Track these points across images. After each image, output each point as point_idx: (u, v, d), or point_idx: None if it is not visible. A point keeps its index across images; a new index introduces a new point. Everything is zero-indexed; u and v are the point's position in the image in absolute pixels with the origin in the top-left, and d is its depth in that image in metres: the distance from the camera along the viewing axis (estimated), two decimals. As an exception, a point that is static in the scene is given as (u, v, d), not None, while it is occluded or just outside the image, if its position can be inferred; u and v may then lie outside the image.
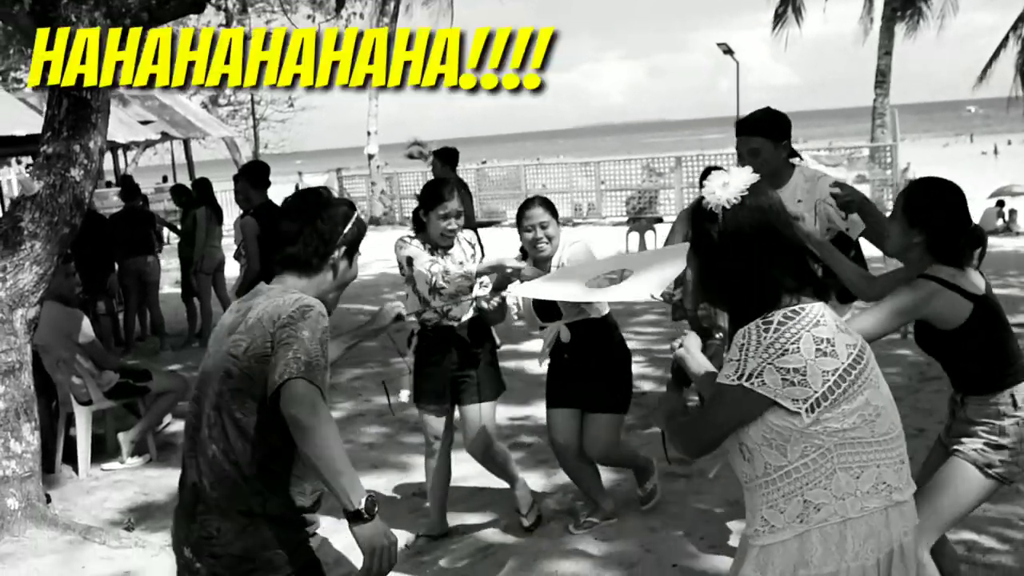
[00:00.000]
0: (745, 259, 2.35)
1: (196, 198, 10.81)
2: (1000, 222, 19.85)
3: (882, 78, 20.22)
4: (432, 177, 7.36)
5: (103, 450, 6.68)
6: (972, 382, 3.38)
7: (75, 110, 5.49)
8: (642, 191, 20.66)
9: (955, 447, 3.35)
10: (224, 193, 21.02)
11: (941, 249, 3.28)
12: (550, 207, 4.80)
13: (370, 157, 23.90)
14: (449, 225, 4.63)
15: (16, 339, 5.19)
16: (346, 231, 2.75)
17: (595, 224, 20.40)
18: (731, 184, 2.38)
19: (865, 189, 18.23)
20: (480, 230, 9.25)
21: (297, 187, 31.01)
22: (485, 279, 4.70)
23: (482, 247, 5.30)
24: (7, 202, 18.14)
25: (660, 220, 18.46)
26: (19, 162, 24.37)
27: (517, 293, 4.13)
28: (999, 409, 3.30)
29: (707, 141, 65.70)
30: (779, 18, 23.51)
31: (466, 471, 5.30)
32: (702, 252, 2.42)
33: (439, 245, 4.73)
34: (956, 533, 4.48)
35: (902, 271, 3.66)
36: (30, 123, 17.78)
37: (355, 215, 2.79)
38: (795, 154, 4.30)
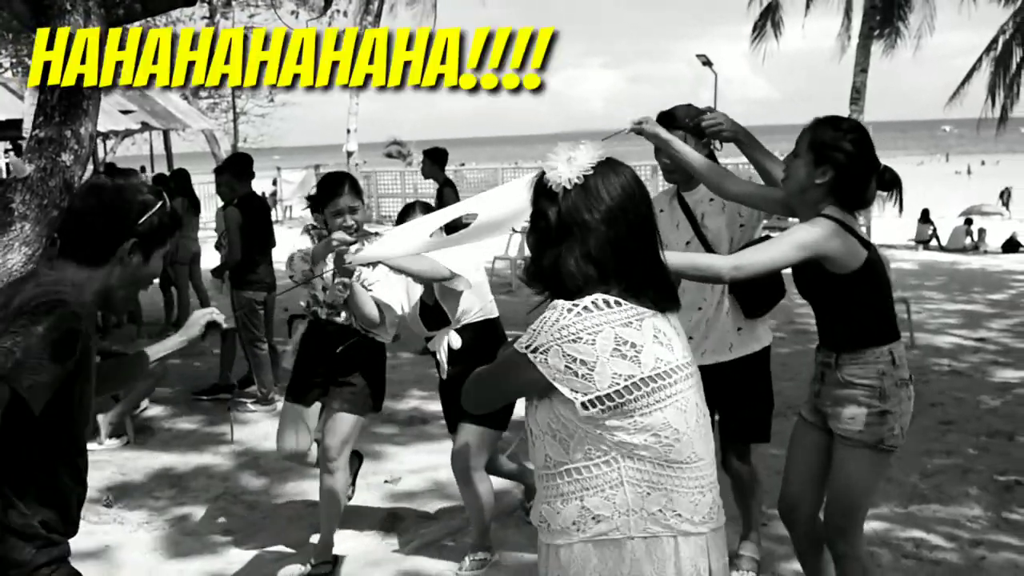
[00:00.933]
0: (580, 247, 2.16)
1: (174, 189, 10.89)
2: (968, 240, 20.26)
3: (857, 95, 20.51)
4: (418, 174, 7.42)
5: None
6: (852, 336, 3.25)
7: (67, 96, 5.60)
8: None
9: (839, 429, 3.26)
10: (202, 186, 21.11)
11: (846, 191, 3.19)
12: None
13: (349, 155, 23.96)
14: (344, 221, 4.35)
15: (3, 318, 5.30)
16: (141, 223, 2.41)
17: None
18: (576, 160, 2.19)
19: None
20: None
21: (275, 181, 31.10)
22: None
23: None
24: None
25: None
26: (-5, 147, 24.26)
27: (358, 259, 3.61)
28: (879, 368, 3.20)
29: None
30: (758, 31, 23.77)
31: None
32: (537, 232, 2.24)
33: None
34: (905, 531, 4.71)
35: (769, 188, 3.58)
36: (10, 107, 17.78)
37: (157, 206, 2.45)
38: (714, 148, 4.09)
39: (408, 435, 6.68)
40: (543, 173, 2.23)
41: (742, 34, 27.17)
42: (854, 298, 3.22)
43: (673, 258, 3.10)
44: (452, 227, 3.40)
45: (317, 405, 4.61)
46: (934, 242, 20.18)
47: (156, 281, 11.13)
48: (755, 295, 4.04)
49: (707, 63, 26.96)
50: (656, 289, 2.21)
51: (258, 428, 6.69)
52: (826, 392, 3.32)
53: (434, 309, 4.45)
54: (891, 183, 3.32)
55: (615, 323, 2.12)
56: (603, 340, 2.10)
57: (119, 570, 4.62)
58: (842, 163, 3.16)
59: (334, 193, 4.39)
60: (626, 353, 2.11)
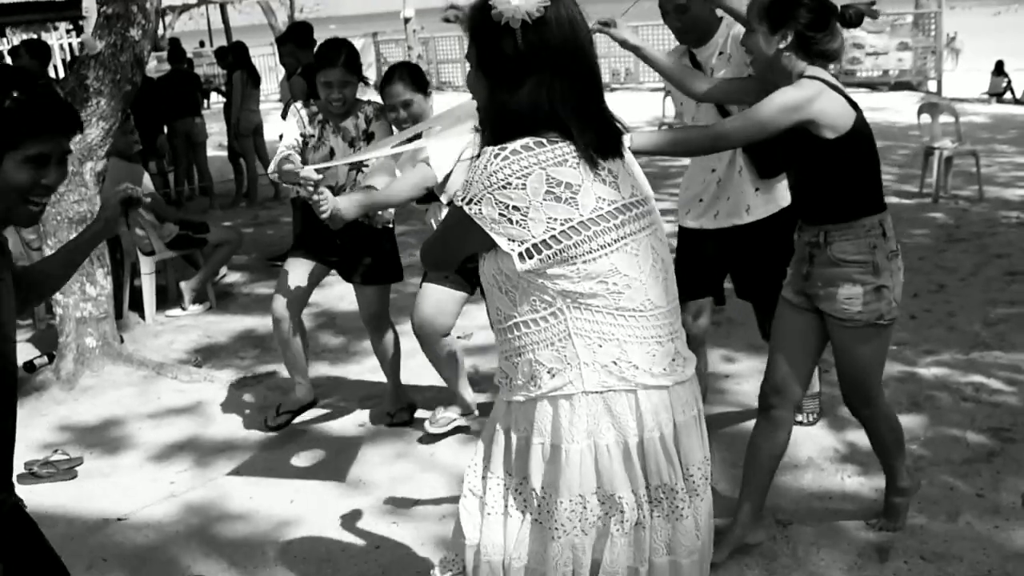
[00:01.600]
0: (542, 82, 1.98)
1: (232, 62, 10.97)
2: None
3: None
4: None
5: (166, 298, 7.09)
6: (842, 208, 3.09)
7: (131, -29, 5.69)
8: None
9: (835, 310, 3.14)
10: (262, 58, 21.12)
11: (814, 46, 3.04)
12: (416, 79, 4.16)
13: (406, 21, 23.70)
14: (331, 94, 4.26)
15: (87, 190, 5.53)
16: None
17: (632, 90, 20.30)
18: None
19: (907, 57, 18.03)
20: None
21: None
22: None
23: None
24: (59, 66, 18.35)
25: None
26: (55, 28, 24.42)
27: (335, 213, 3.70)
28: (871, 241, 3.08)
29: (748, 7, 63.86)
30: None
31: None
32: (494, 74, 2.02)
33: (330, 116, 4.43)
34: (966, 376, 4.82)
35: (741, 79, 3.52)
36: (69, -14, 17.84)
37: (12, 99, 1.87)
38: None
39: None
40: (487, 5, 1.98)
41: None
42: (844, 165, 3.05)
43: (653, 137, 3.07)
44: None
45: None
46: (1008, 95, 19.57)
47: (225, 153, 11.38)
48: (767, 153, 3.80)
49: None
50: (599, 134, 2.04)
51: (333, 291, 6.94)
52: (817, 273, 3.17)
53: None
54: (856, 18, 3.10)
55: (546, 163, 1.97)
56: (534, 183, 1.96)
57: (211, 423, 4.93)
58: (798, 18, 3.01)
59: (324, 62, 4.28)
60: (561, 195, 1.97)
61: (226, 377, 5.57)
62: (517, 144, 1.97)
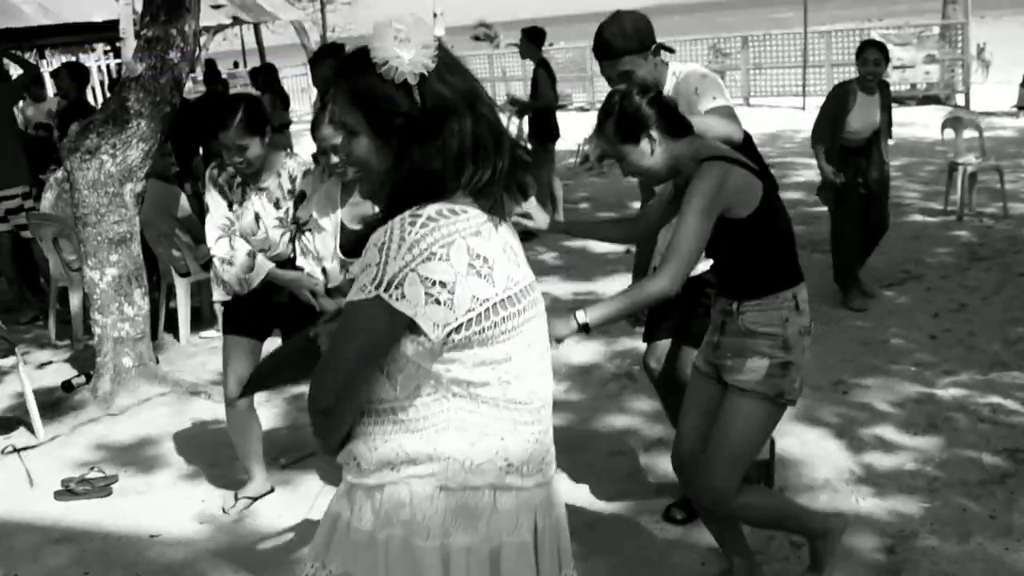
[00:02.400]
0: (452, 135, 1.78)
1: (261, 84, 11.18)
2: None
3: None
4: (506, 57, 7.39)
5: (200, 319, 7.26)
6: (755, 282, 3.00)
7: (170, -4, 5.88)
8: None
9: (737, 380, 3.00)
10: (295, 78, 21.40)
11: (673, 124, 2.99)
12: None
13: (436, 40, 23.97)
14: (233, 158, 3.91)
15: (127, 211, 5.71)
16: None
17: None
18: (414, 40, 1.77)
19: (935, 70, 17.96)
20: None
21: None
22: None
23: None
24: (97, 88, 18.69)
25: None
26: (93, 49, 24.87)
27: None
28: (783, 314, 2.97)
29: (779, 20, 63.94)
30: None
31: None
32: (394, 137, 1.79)
33: (246, 177, 4.05)
34: (984, 396, 4.87)
35: (662, 196, 3.26)
36: (107, 9, 18.19)
37: None
38: (665, 48, 3.68)
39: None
40: (369, 64, 1.77)
41: None
42: (756, 241, 2.95)
43: (608, 308, 2.83)
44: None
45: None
46: (1037, 108, 19.45)
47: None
48: None
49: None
50: (500, 198, 1.85)
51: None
52: (727, 343, 3.05)
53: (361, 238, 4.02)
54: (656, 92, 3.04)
55: (465, 232, 1.76)
56: (457, 254, 1.74)
57: (245, 442, 5.07)
58: (644, 113, 2.96)
59: (220, 124, 3.89)
60: (480, 270, 1.76)
61: (257, 398, 5.70)
62: (431, 209, 1.75)
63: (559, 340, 2.74)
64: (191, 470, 4.79)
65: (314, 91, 9.74)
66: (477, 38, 34.36)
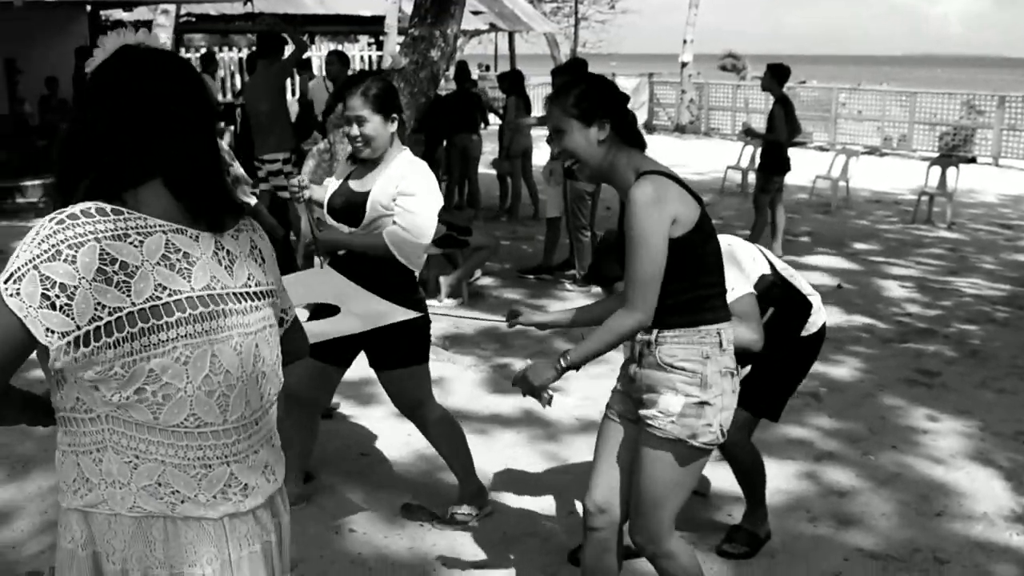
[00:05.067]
0: (124, 136, 1.73)
1: (507, 88, 11.90)
2: None
3: None
4: (750, 89, 7.62)
5: (424, 290, 7.95)
6: (677, 310, 2.76)
7: (438, 1, 6.60)
8: (958, 128, 19.93)
9: (648, 418, 2.79)
10: (540, 87, 22.25)
11: (626, 128, 2.82)
12: (380, 99, 3.78)
13: (683, 65, 24.31)
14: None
15: (376, 184, 6.44)
16: None
17: (903, 156, 19.94)
18: (107, 46, 1.80)
19: None
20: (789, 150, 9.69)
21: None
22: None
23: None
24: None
25: (973, 160, 17.84)
26: (357, 40, 26.66)
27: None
28: (704, 350, 2.76)
29: (1051, 83, 60.32)
30: None
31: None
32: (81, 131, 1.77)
33: None
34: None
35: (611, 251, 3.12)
36: (375, 5, 19.63)
37: None
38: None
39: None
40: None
41: None
42: (684, 264, 2.73)
43: (595, 343, 2.75)
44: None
45: None
46: None
47: (494, 172, 12.36)
48: (595, 263, 3.73)
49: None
50: (199, 199, 1.78)
51: (575, 303, 7.57)
52: (642, 375, 2.83)
53: (341, 211, 3.94)
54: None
55: (104, 235, 1.66)
56: (87, 256, 1.63)
57: (450, 395, 5.66)
58: (610, 104, 2.81)
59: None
60: (113, 277, 1.65)
61: (467, 362, 6.32)
62: (78, 208, 1.68)
63: (542, 387, 2.82)
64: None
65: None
66: (724, 68, 34.45)
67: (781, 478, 4.59)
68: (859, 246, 10.59)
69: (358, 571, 3.75)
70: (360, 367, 4.20)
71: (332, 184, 4.06)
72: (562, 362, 2.81)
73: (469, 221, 11.26)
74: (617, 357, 3.81)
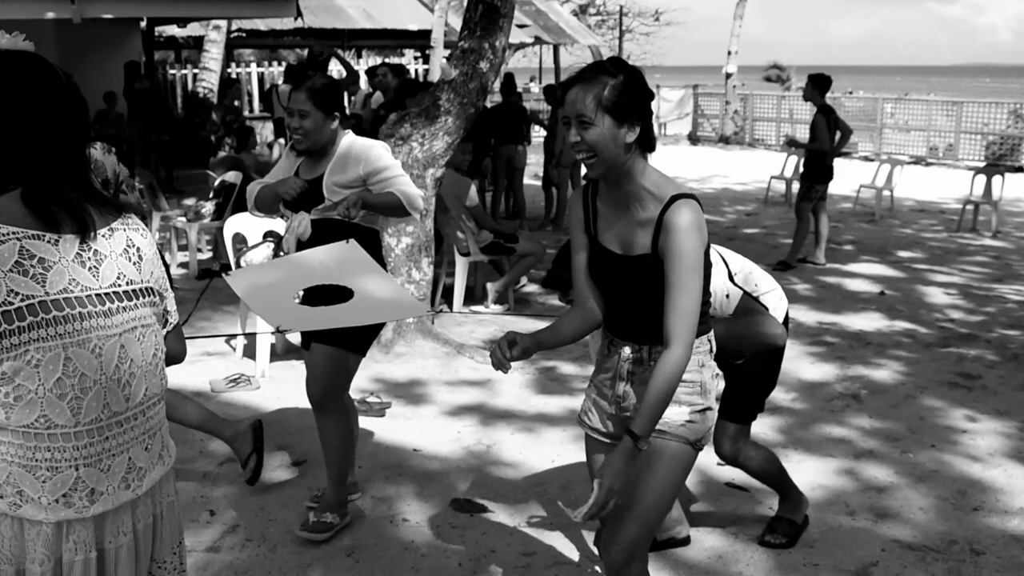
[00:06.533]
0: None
1: (555, 100, 12.10)
2: None
3: None
4: (794, 99, 7.71)
5: (472, 296, 8.18)
6: None
7: (487, 14, 6.79)
8: (1005, 137, 19.81)
9: (657, 429, 2.63)
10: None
11: (648, 134, 2.62)
12: (322, 97, 3.93)
13: (728, 76, 24.38)
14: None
15: (425, 191, 6.64)
16: None
17: (950, 166, 19.85)
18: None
19: None
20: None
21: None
22: None
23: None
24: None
25: (1020, 169, 17.73)
26: (403, 54, 27.06)
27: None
28: (699, 359, 2.71)
29: (1103, 93, 59.36)
30: None
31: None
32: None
33: None
34: None
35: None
36: (422, 20, 19.96)
37: None
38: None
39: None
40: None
41: None
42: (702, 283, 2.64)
43: (653, 406, 2.55)
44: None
45: None
46: None
47: (538, 183, 12.55)
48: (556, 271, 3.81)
49: None
50: (53, 208, 1.84)
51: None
52: (638, 392, 2.73)
53: (308, 192, 3.97)
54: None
55: (13, 237, 1.79)
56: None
57: (498, 396, 5.84)
58: (646, 107, 2.61)
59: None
60: (28, 267, 1.79)
61: (514, 364, 6.47)
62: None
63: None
64: (451, 408, 5.62)
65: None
66: (769, 79, 34.45)
67: (820, 474, 4.71)
68: (903, 254, 10.63)
69: (411, 556, 3.93)
70: (407, 369, 4.38)
71: (281, 176, 4.12)
72: (641, 445, 2.55)
73: (515, 230, 11.51)
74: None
